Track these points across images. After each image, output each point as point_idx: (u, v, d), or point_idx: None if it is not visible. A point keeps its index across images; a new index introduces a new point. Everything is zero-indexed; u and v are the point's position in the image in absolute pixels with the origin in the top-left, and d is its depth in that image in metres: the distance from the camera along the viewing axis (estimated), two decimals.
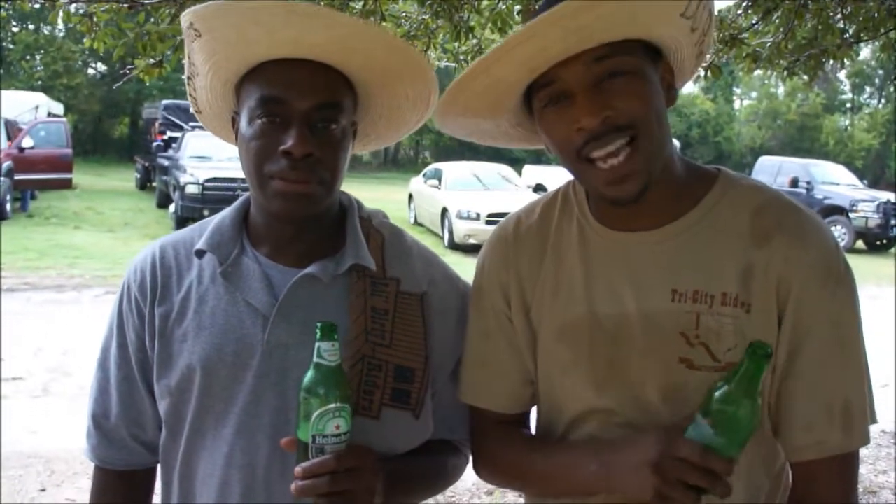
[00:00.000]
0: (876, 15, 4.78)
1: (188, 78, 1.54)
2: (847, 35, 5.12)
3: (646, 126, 1.29)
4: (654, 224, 1.40)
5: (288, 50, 1.39)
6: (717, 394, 1.23)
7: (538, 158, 30.57)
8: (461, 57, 5.49)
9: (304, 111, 1.39)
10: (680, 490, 1.22)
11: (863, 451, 6.16)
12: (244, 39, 1.37)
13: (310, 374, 1.29)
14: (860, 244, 19.76)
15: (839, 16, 4.98)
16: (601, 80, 1.28)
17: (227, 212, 1.57)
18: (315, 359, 1.29)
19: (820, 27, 5.02)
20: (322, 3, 4.52)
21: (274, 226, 1.51)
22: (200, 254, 1.51)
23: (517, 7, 5.05)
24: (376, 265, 1.51)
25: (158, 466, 1.58)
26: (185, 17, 1.41)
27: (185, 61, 1.53)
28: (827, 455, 1.34)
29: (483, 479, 1.65)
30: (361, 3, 4.57)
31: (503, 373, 1.54)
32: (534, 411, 1.60)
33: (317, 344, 1.29)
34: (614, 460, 1.33)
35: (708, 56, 5.38)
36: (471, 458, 1.63)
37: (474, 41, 5.17)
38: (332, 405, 1.27)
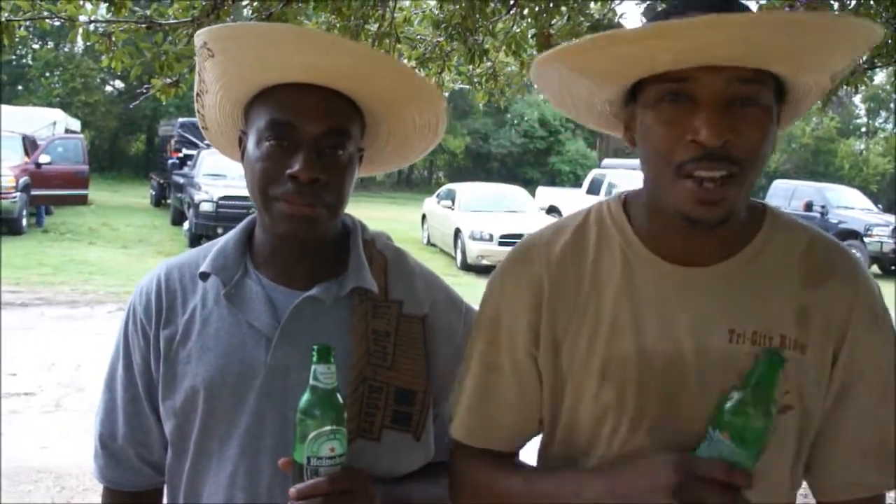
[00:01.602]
0: (890, 41, 4.78)
1: (197, 94, 1.56)
2: (861, 61, 5.12)
3: (752, 164, 1.22)
4: (710, 260, 1.33)
5: (299, 75, 1.40)
6: (729, 404, 1.19)
7: (552, 180, 30.61)
8: (475, 79, 5.53)
9: (312, 136, 1.40)
10: None
11: None
12: (257, 62, 1.39)
13: (306, 397, 1.29)
14: (875, 269, 19.65)
15: None
16: (733, 102, 1.19)
17: (231, 234, 1.58)
18: (311, 381, 1.29)
19: None
20: (338, 24, 4.57)
21: (277, 248, 1.51)
22: (204, 276, 1.51)
23: (532, 31, 5.08)
24: (379, 287, 1.51)
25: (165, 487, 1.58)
26: (200, 37, 1.42)
27: (196, 78, 1.54)
28: (859, 496, 1.34)
29: None
30: (377, 26, 4.61)
31: (505, 412, 1.43)
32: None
33: (313, 367, 1.29)
34: (625, 484, 1.26)
35: None
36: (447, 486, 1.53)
37: (488, 64, 5.21)
38: (328, 427, 1.27)
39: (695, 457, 1.20)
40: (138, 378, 1.54)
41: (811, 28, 1.17)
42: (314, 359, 1.29)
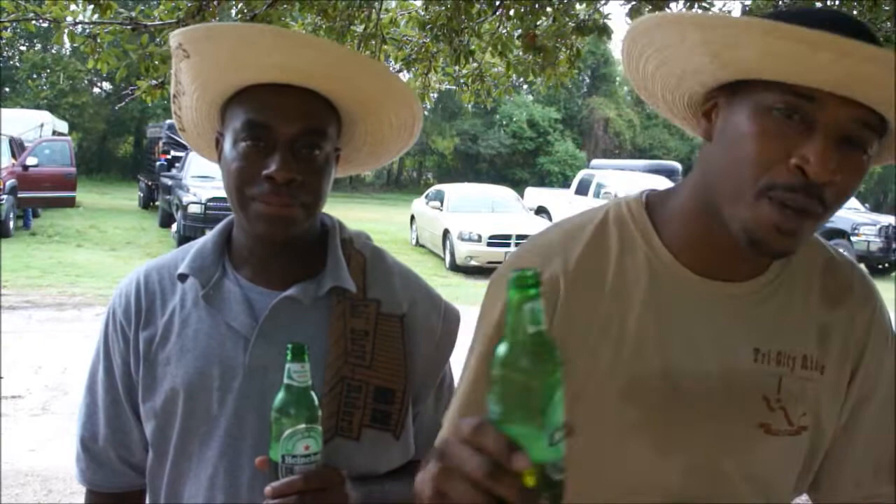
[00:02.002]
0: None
1: (174, 96, 1.56)
2: None
3: (835, 210, 1.14)
4: (740, 276, 1.27)
5: (275, 75, 1.40)
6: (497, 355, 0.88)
7: (541, 181, 30.62)
8: (462, 80, 5.54)
9: (288, 137, 1.40)
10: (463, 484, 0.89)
11: None
12: (232, 63, 1.39)
13: (280, 395, 1.30)
14: (861, 268, 19.76)
15: None
16: (844, 141, 1.09)
17: (209, 235, 1.58)
18: (286, 380, 1.29)
19: None
20: (324, 26, 4.57)
21: (255, 248, 1.51)
22: (183, 278, 1.52)
23: (517, 31, 5.10)
24: (357, 287, 1.51)
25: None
26: (175, 38, 1.42)
27: (172, 79, 1.54)
28: None
29: None
30: (363, 27, 4.61)
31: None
32: None
33: (287, 365, 1.29)
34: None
35: None
36: None
37: (475, 64, 5.22)
38: (302, 426, 1.28)
39: None
40: (119, 380, 1.54)
41: None
42: (288, 357, 1.29)
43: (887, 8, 4.58)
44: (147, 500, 1.58)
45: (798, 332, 1.28)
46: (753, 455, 1.26)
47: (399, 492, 1.52)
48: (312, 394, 1.31)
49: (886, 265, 20.00)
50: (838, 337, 1.30)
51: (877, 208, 30.87)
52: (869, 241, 19.07)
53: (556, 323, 1.24)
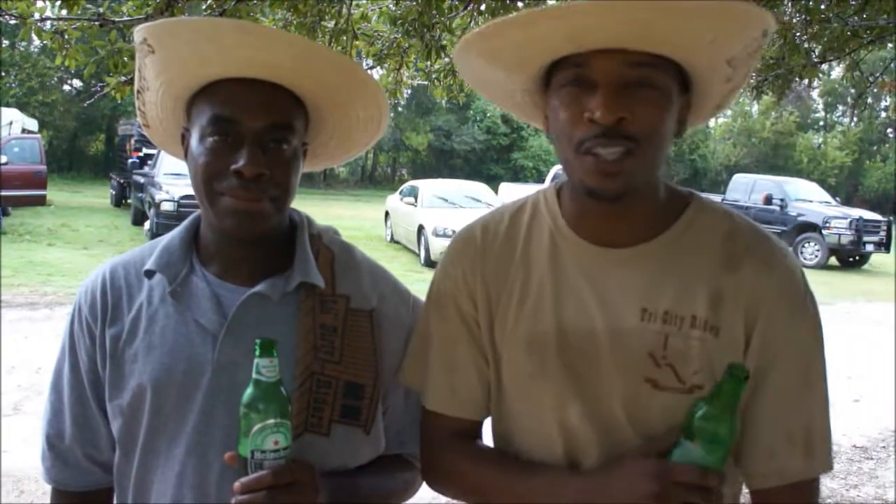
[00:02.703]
0: (840, 35, 4.87)
1: (137, 92, 1.54)
2: (813, 55, 5.21)
3: (650, 142, 1.29)
4: (629, 241, 1.40)
5: (240, 69, 1.40)
6: (699, 414, 1.27)
7: (515, 176, 30.69)
8: (433, 75, 5.53)
9: (255, 131, 1.40)
10: None
11: (836, 467, 6.22)
12: (197, 57, 1.38)
13: (249, 391, 1.30)
14: (833, 261, 19.96)
15: (805, 36, 5.06)
16: (629, 84, 1.27)
17: (176, 231, 1.57)
18: (254, 375, 1.29)
19: (786, 47, 5.10)
20: (294, 21, 4.55)
21: (223, 244, 1.51)
22: (150, 274, 1.51)
23: None
24: (326, 282, 1.51)
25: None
26: (139, 33, 1.41)
27: (136, 75, 1.53)
28: (788, 482, 1.37)
29: (436, 490, 1.62)
30: (333, 23, 4.60)
31: (470, 379, 1.51)
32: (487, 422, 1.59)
33: (255, 360, 1.29)
34: (605, 490, 1.31)
35: None
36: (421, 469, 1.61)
37: (446, 60, 5.21)
38: (271, 421, 1.28)
39: (671, 464, 1.27)
40: (85, 377, 1.53)
41: (700, 12, 1.22)
42: (256, 353, 1.29)
43: (853, 2, 4.63)
44: (115, 499, 1.57)
45: (687, 294, 1.36)
46: (647, 411, 1.36)
47: (369, 486, 1.52)
48: (282, 389, 1.30)
49: (857, 258, 20.23)
50: (731, 301, 1.36)
51: (847, 202, 31.14)
52: (840, 235, 19.29)
53: (478, 286, 1.49)
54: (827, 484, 5.74)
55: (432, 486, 1.60)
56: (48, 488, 1.63)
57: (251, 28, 1.43)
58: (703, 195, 1.50)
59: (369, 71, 5.96)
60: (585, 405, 1.39)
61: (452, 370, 1.52)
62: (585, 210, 1.42)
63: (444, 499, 1.93)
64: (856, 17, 4.86)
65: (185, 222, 1.59)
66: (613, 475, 1.31)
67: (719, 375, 1.31)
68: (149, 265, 1.50)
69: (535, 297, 1.44)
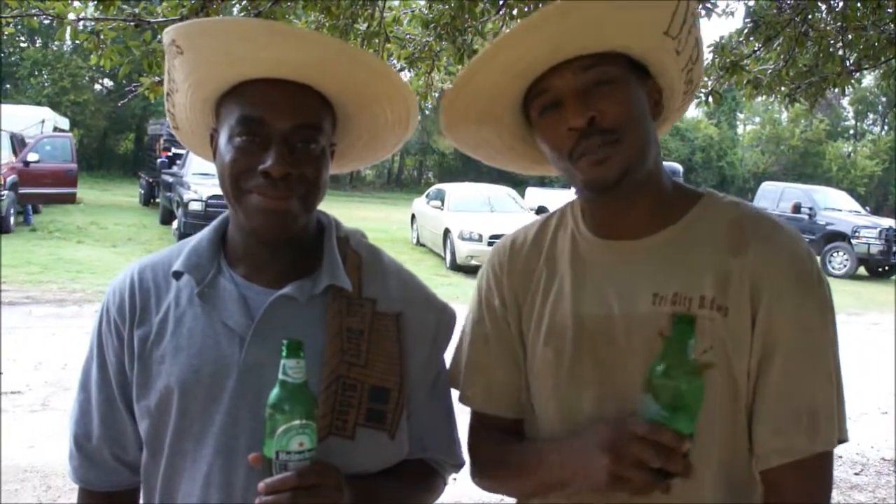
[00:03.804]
0: (876, 43, 4.82)
1: (167, 94, 1.55)
2: (848, 63, 5.16)
3: (628, 128, 1.39)
4: (639, 234, 1.48)
5: (268, 70, 1.40)
6: (656, 369, 1.28)
7: (541, 181, 30.65)
8: None
9: (283, 132, 1.40)
10: (636, 469, 1.27)
11: (862, 479, 6.16)
12: (226, 58, 1.39)
13: (275, 391, 1.29)
14: (862, 270, 19.75)
15: (840, 44, 5.01)
16: (589, 87, 1.39)
17: (204, 232, 1.58)
18: (280, 376, 1.29)
19: (821, 55, 5.06)
20: (327, 24, 4.57)
21: (251, 245, 1.51)
22: (178, 275, 1.51)
23: None
24: (353, 285, 1.51)
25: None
26: (168, 34, 1.42)
27: (165, 77, 1.53)
28: (793, 459, 1.37)
29: (481, 488, 1.67)
30: (366, 25, 4.61)
31: (504, 377, 1.59)
32: None
33: (282, 361, 1.29)
34: (570, 447, 1.40)
35: (710, 82, 5.44)
36: (469, 469, 1.64)
37: None
38: (296, 422, 1.28)
39: (628, 419, 1.31)
40: (112, 378, 1.54)
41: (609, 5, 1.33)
42: (283, 353, 1.29)
43: (890, 10, 4.58)
44: (142, 499, 1.57)
45: (695, 276, 1.42)
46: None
47: (392, 490, 1.52)
48: (308, 390, 1.30)
49: (887, 268, 19.99)
50: (738, 281, 1.40)
51: (877, 211, 30.84)
52: (869, 244, 19.08)
53: (505, 283, 1.60)
54: (854, 497, 5.68)
55: (478, 483, 1.65)
56: (75, 485, 1.64)
57: (280, 28, 1.43)
58: (722, 194, 1.54)
59: (399, 73, 5.97)
60: (601, 389, 1.45)
61: (488, 369, 1.60)
62: (595, 208, 1.53)
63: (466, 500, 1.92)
64: (892, 25, 4.81)
65: (213, 223, 1.60)
66: (580, 436, 1.39)
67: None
68: (177, 266, 1.51)
69: (556, 292, 1.53)
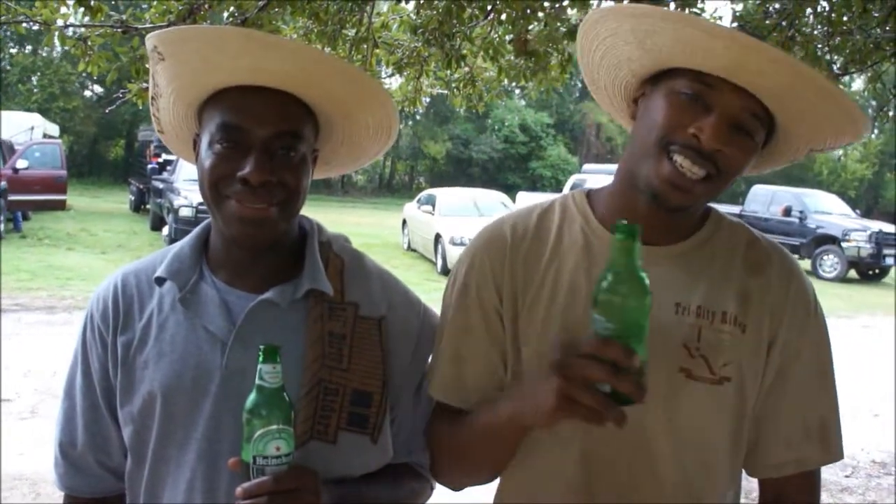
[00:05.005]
0: (863, 48, 4.84)
1: (152, 98, 1.56)
2: (835, 67, 5.18)
3: (726, 179, 1.39)
4: (658, 240, 1.46)
5: (248, 77, 1.41)
6: (601, 283, 1.20)
7: (533, 185, 30.69)
8: (453, 85, 5.54)
9: (263, 139, 1.40)
10: (585, 390, 1.19)
11: (853, 482, 6.17)
12: (206, 65, 1.39)
13: (252, 396, 1.30)
14: (852, 273, 19.81)
15: (826, 48, 5.03)
16: (734, 125, 1.36)
17: (186, 239, 1.58)
18: (257, 381, 1.30)
19: (808, 59, 5.07)
20: (315, 30, 4.57)
21: (232, 251, 1.51)
22: (160, 281, 1.52)
23: (509, 36, 5.10)
24: (335, 290, 1.51)
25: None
26: (150, 40, 1.43)
27: (150, 82, 1.55)
28: (806, 470, 1.49)
29: (442, 483, 1.62)
30: (354, 31, 4.61)
31: (479, 370, 1.52)
32: None
33: (259, 366, 1.30)
34: (519, 384, 1.42)
35: None
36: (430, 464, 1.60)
37: (466, 69, 5.22)
38: (273, 427, 1.28)
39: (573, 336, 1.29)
40: (97, 384, 1.54)
41: (823, 92, 1.33)
42: (260, 358, 1.30)
43: (877, 15, 4.60)
44: None
45: (719, 292, 1.45)
46: (676, 401, 1.40)
47: (375, 494, 1.52)
48: (285, 395, 1.31)
49: (877, 271, 20.07)
50: (758, 301, 1.46)
51: (867, 214, 30.95)
52: (860, 247, 19.13)
53: (506, 276, 1.51)
54: (845, 500, 5.69)
55: (438, 479, 1.62)
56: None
57: (256, 36, 1.44)
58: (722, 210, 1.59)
59: (388, 79, 5.98)
60: None
61: (463, 360, 1.53)
62: (627, 209, 1.46)
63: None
64: (879, 29, 4.83)
65: (196, 230, 1.61)
66: (526, 380, 1.40)
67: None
68: (159, 272, 1.51)
69: (566, 292, 1.47)
